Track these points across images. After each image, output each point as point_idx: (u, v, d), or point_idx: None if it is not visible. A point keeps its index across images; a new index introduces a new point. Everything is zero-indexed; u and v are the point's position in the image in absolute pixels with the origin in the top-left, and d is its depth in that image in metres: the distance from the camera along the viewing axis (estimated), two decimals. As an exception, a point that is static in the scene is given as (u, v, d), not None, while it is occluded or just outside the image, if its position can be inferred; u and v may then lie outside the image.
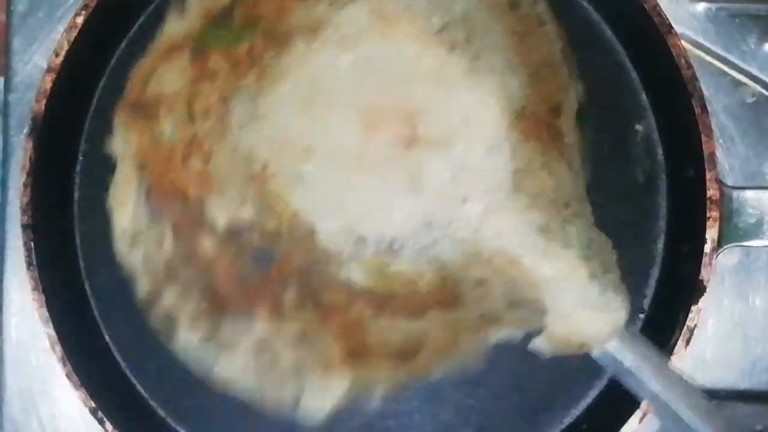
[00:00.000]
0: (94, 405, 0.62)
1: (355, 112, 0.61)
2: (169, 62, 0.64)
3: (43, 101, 0.64)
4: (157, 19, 0.68)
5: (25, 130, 0.64)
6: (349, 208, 0.61)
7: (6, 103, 0.70)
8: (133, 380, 0.67)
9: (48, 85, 0.64)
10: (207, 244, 0.61)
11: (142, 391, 0.67)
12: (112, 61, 0.69)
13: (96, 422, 0.62)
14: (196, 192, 0.61)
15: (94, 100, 0.69)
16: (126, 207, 0.63)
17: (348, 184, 0.61)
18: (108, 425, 0.62)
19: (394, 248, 0.60)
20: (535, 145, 0.61)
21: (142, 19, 0.69)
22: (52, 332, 0.63)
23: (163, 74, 0.64)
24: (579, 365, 0.66)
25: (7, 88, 0.70)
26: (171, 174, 0.62)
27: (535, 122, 0.61)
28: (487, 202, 0.60)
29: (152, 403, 0.67)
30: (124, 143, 0.64)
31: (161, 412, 0.67)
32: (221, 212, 0.61)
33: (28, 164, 0.64)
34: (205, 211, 0.61)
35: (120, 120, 0.64)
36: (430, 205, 0.60)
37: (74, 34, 0.64)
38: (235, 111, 0.62)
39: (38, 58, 0.70)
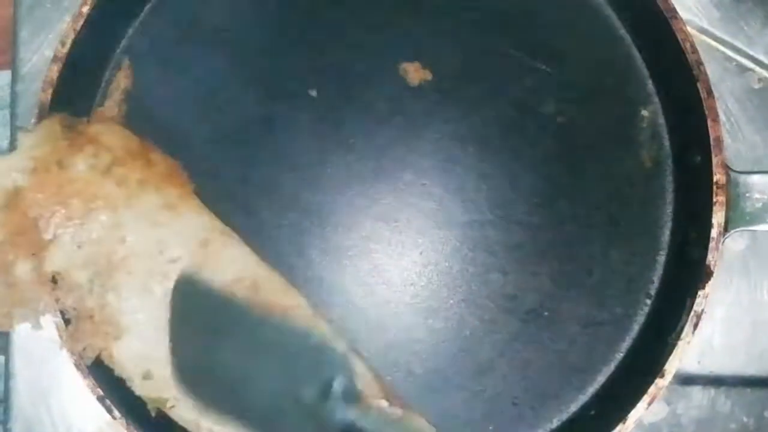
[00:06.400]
0: (101, 393, 0.63)
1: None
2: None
3: (50, 90, 0.64)
4: (162, 9, 0.69)
5: (32, 120, 0.65)
6: (162, 347, 0.64)
7: (13, 94, 0.71)
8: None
9: (54, 74, 0.65)
10: (23, 269, 0.63)
11: (150, 380, 0.67)
12: (118, 50, 0.69)
13: (104, 410, 0.63)
14: (56, 227, 0.63)
15: (100, 89, 0.69)
16: None
17: None
18: (116, 413, 0.63)
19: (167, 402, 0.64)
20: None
21: (147, 8, 0.70)
22: (60, 321, 0.63)
23: (115, 131, 0.66)
24: (586, 352, 0.67)
25: (15, 79, 0.71)
26: (48, 197, 0.63)
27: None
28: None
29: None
30: (35, 145, 0.64)
31: (169, 400, 0.67)
32: (62, 259, 0.63)
33: (34, 153, 0.64)
34: (50, 246, 0.63)
35: (48, 125, 0.64)
36: None
37: (80, 23, 0.65)
38: (142, 201, 0.64)
39: (45, 48, 0.70)
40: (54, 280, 0.63)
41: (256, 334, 0.63)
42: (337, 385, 0.62)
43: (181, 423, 0.64)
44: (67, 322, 0.64)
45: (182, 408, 0.64)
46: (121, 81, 0.68)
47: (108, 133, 0.65)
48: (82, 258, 0.63)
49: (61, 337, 0.64)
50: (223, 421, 0.64)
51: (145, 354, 0.64)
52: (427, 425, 0.63)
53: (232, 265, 0.65)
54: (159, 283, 0.64)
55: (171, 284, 0.64)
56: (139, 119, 0.67)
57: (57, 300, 0.64)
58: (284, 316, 0.63)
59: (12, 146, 0.70)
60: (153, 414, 0.63)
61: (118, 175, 0.64)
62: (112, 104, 0.67)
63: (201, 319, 0.64)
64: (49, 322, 0.64)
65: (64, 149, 0.64)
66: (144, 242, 0.64)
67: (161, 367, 0.64)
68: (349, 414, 0.61)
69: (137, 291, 0.64)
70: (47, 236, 0.63)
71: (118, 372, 0.64)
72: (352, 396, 0.62)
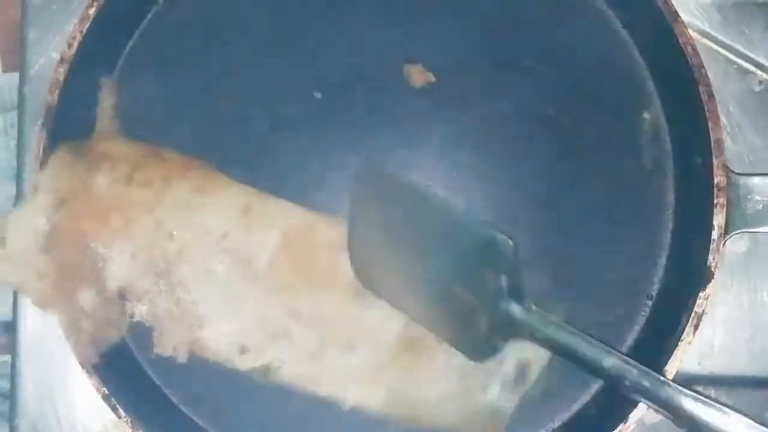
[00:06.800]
0: (107, 392, 0.63)
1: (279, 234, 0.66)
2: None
3: (56, 92, 0.65)
4: (169, 10, 0.70)
5: (39, 121, 0.66)
6: (245, 317, 0.65)
7: (21, 96, 0.71)
8: (146, 367, 0.68)
9: (61, 76, 0.65)
10: (86, 299, 0.64)
11: (155, 378, 0.68)
12: (125, 52, 0.70)
13: (110, 409, 0.63)
14: (102, 248, 0.64)
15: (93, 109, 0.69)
16: (23, 235, 0.65)
17: (250, 296, 0.65)
18: (121, 411, 0.63)
19: (271, 366, 0.65)
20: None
21: (154, 9, 0.70)
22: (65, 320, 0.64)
23: (117, 143, 0.67)
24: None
25: (23, 81, 0.71)
26: (86, 223, 0.64)
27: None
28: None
29: (165, 390, 0.68)
30: (53, 178, 0.65)
31: (174, 399, 0.68)
32: (121, 275, 0.65)
33: (41, 154, 0.65)
34: (105, 267, 0.64)
35: (58, 157, 0.65)
36: (317, 338, 0.65)
37: (87, 25, 0.65)
38: (173, 192, 0.65)
39: (53, 50, 0.71)
40: (121, 297, 0.65)
41: (430, 228, 0.64)
42: (504, 282, 0.61)
43: (290, 382, 0.65)
44: (149, 332, 0.65)
45: (289, 365, 0.65)
46: (105, 99, 0.68)
47: (115, 145, 0.66)
48: (139, 266, 0.65)
49: (148, 344, 0.65)
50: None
51: (234, 330, 0.65)
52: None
53: (281, 218, 0.66)
54: (219, 262, 0.65)
55: (229, 259, 0.65)
56: (138, 128, 0.68)
57: (131, 314, 0.65)
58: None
59: (20, 147, 0.71)
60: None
61: (140, 180, 0.65)
62: (105, 122, 0.68)
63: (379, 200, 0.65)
64: (56, 321, 0.65)
65: (82, 173, 0.65)
66: (189, 230, 0.65)
67: (252, 336, 0.65)
68: (514, 312, 0.61)
69: (202, 277, 0.65)
70: (99, 259, 0.64)
71: (214, 359, 0.65)
72: (518, 294, 0.61)
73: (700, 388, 0.67)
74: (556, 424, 0.67)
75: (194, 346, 0.65)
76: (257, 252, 0.65)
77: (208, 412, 0.68)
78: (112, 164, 0.66)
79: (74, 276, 0.64)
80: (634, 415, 0.62)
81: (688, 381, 0.67)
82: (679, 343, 0.62)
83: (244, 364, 0.65)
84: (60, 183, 0.65)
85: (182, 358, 0.65)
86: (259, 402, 0.67)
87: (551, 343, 0.61)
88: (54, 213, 0.64)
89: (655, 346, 0.64)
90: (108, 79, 0.69)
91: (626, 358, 0.59)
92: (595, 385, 0.67)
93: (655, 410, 0.60)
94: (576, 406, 0.67)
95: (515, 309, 0.61)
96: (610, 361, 0.59)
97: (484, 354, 0.64)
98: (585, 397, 0.67)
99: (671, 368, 0.62)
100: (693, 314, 0.62)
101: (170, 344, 0.65)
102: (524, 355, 0.64)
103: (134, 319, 0.65)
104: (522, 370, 0.64)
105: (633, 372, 0.58)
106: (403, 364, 0.65)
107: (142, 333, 0.66)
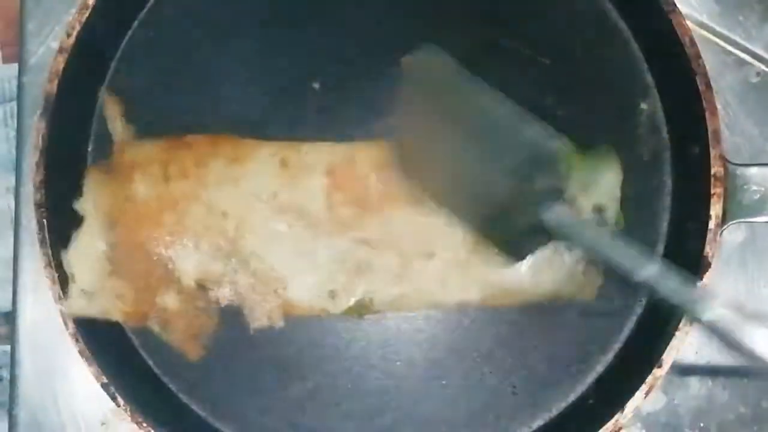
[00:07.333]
0: (106, 380, 0.64)
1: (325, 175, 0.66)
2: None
3: (56, 81, 0.65)
4: (165, 3, 0.70)
5: (38, 111, 0.66)
6: (322, 264, 0.66)
7: (20, 86, 0.72)
8: (145, 356, 0.68)
9: (60, 65, 0.65)
10: (170, 301, 0.65)
11: (154, 367, 0.68)
12: (124, 41, 0.70)
13: (109, 398, 0.64)
14: (166, 249, 0.65)
15: (106, 80, 0.70)
16: (87, 265, 0.66)
17: (320, 242, 0.66)
18: (120, 400, 0.63)
19: (364, 300, 0.66)
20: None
21: (150, 2, 0.70)
22: (65, 309, 0.64)
23: (139, 145, 0.67)
24: (585, 342, 0.67)
25: (22, 71, 0.72)
26: (142, 232, 0.65)
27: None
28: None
29: (164, 378, 0.68)
30: (95, 203, 0.66)
31: (172, 387, 0.68)
32: (193, 267, 0.65)
33: (40, 143, 0.65)
34: (175, 267, 0.65)
35: (91, 180, 0.67)
36: (396, 258, 0.65)
37: (86, 14, 0.65)
38: (211, 173, 0.66)
39: (52, 40, 0.71)
40: (201, 288, 0.65)
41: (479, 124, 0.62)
42: (545, 181, 0.60)
43: (389, 309, 0.66)
44: (239, 311, 0.66)
45: (380, 293, 0.66)
46: (111, 111, 0.69)
47: (139, 151, 0.67)
48: (206, 254, 0.65)
49: (245, 323, 0.66)
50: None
51: (317, 280, 0.66)
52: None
53: (319, 160, 0.66)
54: (278, 222, 0.66)
55: (287, 215, 0.65)
56: (152, 125, 0.68)
57: (216, 300, 0.66)
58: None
59: (19, 137, 0.71)
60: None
61: (176, 173, 0.66)
62: (120, 133, 0.68)
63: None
64: (55, 311, 0.65)
65: (119, 188, 0.66)
66: (240, 203, 0.66)
67: (336, 279, 0.66)
68: (551, 213, 0.60)
69: (268, 242, 0.65)
70: (166, 261, 0.65)
71: (309, 313, 0.66)
72: (557, 195, 0.60)
73: (697, 379, 0.68)
74: (554, 413, 0.67)
75: (286, 308, 0.66)
76: (310, 199, 0.66)
77: (208, 401, 0.68)
78: (143, 169, 0.66)
79: (150, 285, 0.65)
80: (631, 404, 0.62)
81: (685, 371, 0.68)
82: (677, 332, 0.62)
83: (339, 307, 0.66)
84: (103, 204, 0.66)
85: (279, 323, 0.66)
86: (260, 390, 0.67)
87: (591, 248, 0.60)
88: (108, 234, 0.65)
89: (653, 335, 0.64)
90: (105, 95, 0.69)
91: (667, 268, 0.57)
92: (592, 376, 0.67)
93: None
94: (573, 396, 0.67)
95: (555, 211, 0.59)
96: (647, 271, 0.57)
97: (522, 255, 0.64)
98: (582, 387, 0.67)
99: (668, 358, 0.62)
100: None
101: (263, 315, 0.66)
102: (598, 201, 0.65)
103: (221, 305, 0.66)
104: (600, 215, 0.65)
105: (670, 286, 0.56)
106: (485, 253, 0.65)
107: (235, 313, 0.67)
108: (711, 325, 0.55)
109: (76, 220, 0.67)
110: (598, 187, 0.65)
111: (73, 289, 0.65)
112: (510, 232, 0.62)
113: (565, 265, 0.65)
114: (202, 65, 0.69)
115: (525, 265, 0.66)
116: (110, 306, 0.66)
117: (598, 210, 0.65)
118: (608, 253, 0.58)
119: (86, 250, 0.66)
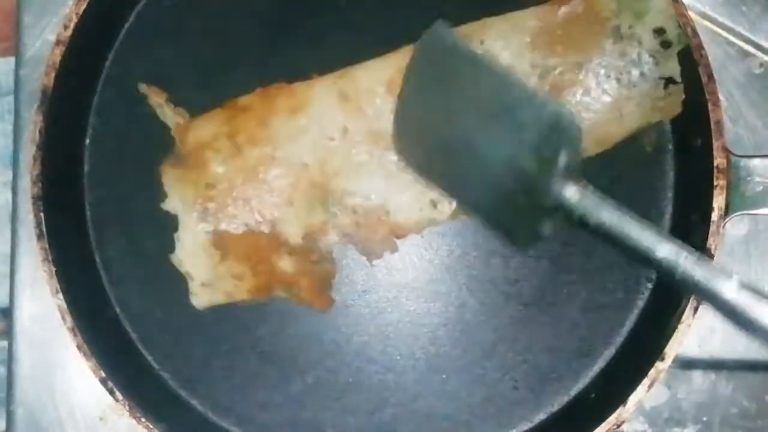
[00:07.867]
0: (104, 375, 0.63)
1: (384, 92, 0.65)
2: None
3: (53, 74, 0.65)
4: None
5: (36, 104, 0.65)
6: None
7: (17, 79, 0.71)
8: (143, 350, 0.68)
9: (57, 58, 0.65)
10: (286, 264, 0.65)
11: (152, 362, 0.68)
12: (121, 34, 0.70)
13: (107, 393, 0.63)
14: (263, 217, 0.65)
15: (103, 73, 0.70)
16: (198, 260, 0.65)
17: None
18: (118, 395, 0.63)
19: None
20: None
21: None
22: (62, 303, 0.64)
23: (198, 125, 0.67)
24: (587, 336, 0.67)
25: (18, 64, 0.71)
26: (234, 209, 0.65)
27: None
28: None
29: (162, 373, 0.68)
30: (181, 199, 0.65)
31: (171, 383, 0.67)
32: (295, 225, 0.65)
33: (37, 137, 0.64)
34: (278, 230, 0.65)
35: (169, 178, 0.66)
36: None
37: (83, 7, 0.65)
38: (278, 130, 0.65)
39: (49, 33, 0.70)
40: (311, 241, 0.65)
41: (490, 98, 0.60)
42: (562, 159, 0.56)
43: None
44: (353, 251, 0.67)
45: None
46: (156, 100, 0.68)
47: (200, 129, 0.66)
48: (302, 207, 0.65)
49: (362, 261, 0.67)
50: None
51: (414, 195, 0.65)
52: None
53: (375, 80, 0.66)
54: (359, 153, 0.65)
55: (364, 145, 0.65)
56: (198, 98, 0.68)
57: (329, 249, 0.66)
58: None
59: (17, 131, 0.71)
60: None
61: (244, 140, 0.65)
62: (173, 118, 0.67)
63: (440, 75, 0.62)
64: (53, 306, 0.64)
65: (197, 175, 0.65)
66: (316, 148, 0.65)
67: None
68: (570, 191, 0.56)
69: (357, 175, 0.65)
70: (268, 227, 0.65)
71: (419, 230, 0.66)
72: (575, 172, 0.57)
73: (700, 372, 0.67)
74: (556, 407, 0.67)
75: (397, 231, 0.65)
76: (380, 120, 0.65)
77: (207, 396, 0.67)
78: (212, 147, 0.65)
79: (261, 256, 0.65)
80: (633, 398, 0.62)
81: (688, 365, 0.68)
82: (679, 325, 0.62)
83: (444, 213, 0.65)
84: (188, 196, 0.65)
85: (394, 249, 0.65)
86: (259, 385, 0.67)
87: (604, 229, 0.56)
88: (206, 222, 0.65)
89: (656, 328, 0.64)
90: (143, 87, 0.68)
91: (685, 247, 0.53)
92: (594, 370, 0.67)
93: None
94: (575, 390, 0.67)
95: (571, 189, 0.56)
96: (665, 250, 0.53)
97: (530, 241, 0.63)
98: (584, 381, 0.67)
99: (671, 351, 0.62)
100: (692, 296, 0.62)
101: (377, 246, 0.65)
102: (656, 24, 0.64)
103: (333, 253, 0.66)
104: (661, 37, 0.64)
105: (687, 266, 0.53)
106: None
107: (352, 254, 0.67)
108: (729, 304, 0.52)
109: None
110: (651, 11, 0.64)
111: (193, 285, 0.65)
112: (524, 216, 0.59)
113: (646, 93, 0.64)
114: (196, 56, 0.69)
115: (607, 103, 0.65)
116: (232, 289, 0.65)
117: (659, 32, 0.64)
118: (627, 231, 0.55)
119: (191, 247, 0.65)
